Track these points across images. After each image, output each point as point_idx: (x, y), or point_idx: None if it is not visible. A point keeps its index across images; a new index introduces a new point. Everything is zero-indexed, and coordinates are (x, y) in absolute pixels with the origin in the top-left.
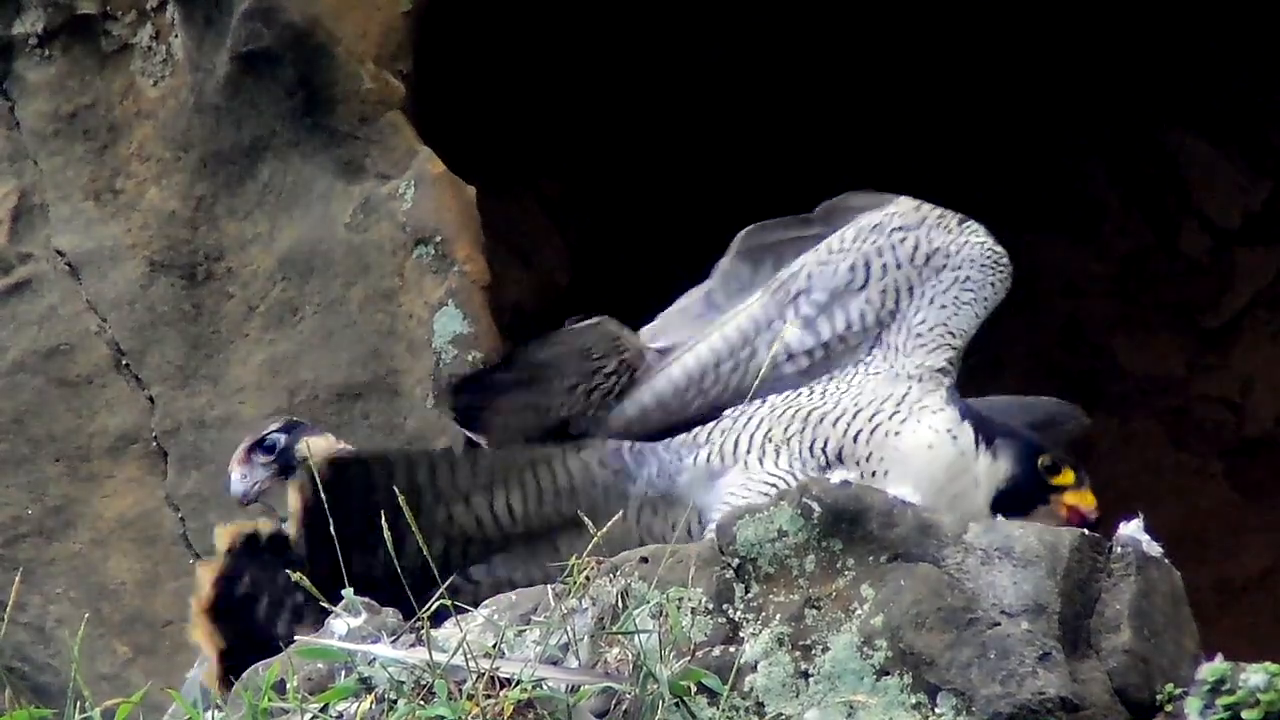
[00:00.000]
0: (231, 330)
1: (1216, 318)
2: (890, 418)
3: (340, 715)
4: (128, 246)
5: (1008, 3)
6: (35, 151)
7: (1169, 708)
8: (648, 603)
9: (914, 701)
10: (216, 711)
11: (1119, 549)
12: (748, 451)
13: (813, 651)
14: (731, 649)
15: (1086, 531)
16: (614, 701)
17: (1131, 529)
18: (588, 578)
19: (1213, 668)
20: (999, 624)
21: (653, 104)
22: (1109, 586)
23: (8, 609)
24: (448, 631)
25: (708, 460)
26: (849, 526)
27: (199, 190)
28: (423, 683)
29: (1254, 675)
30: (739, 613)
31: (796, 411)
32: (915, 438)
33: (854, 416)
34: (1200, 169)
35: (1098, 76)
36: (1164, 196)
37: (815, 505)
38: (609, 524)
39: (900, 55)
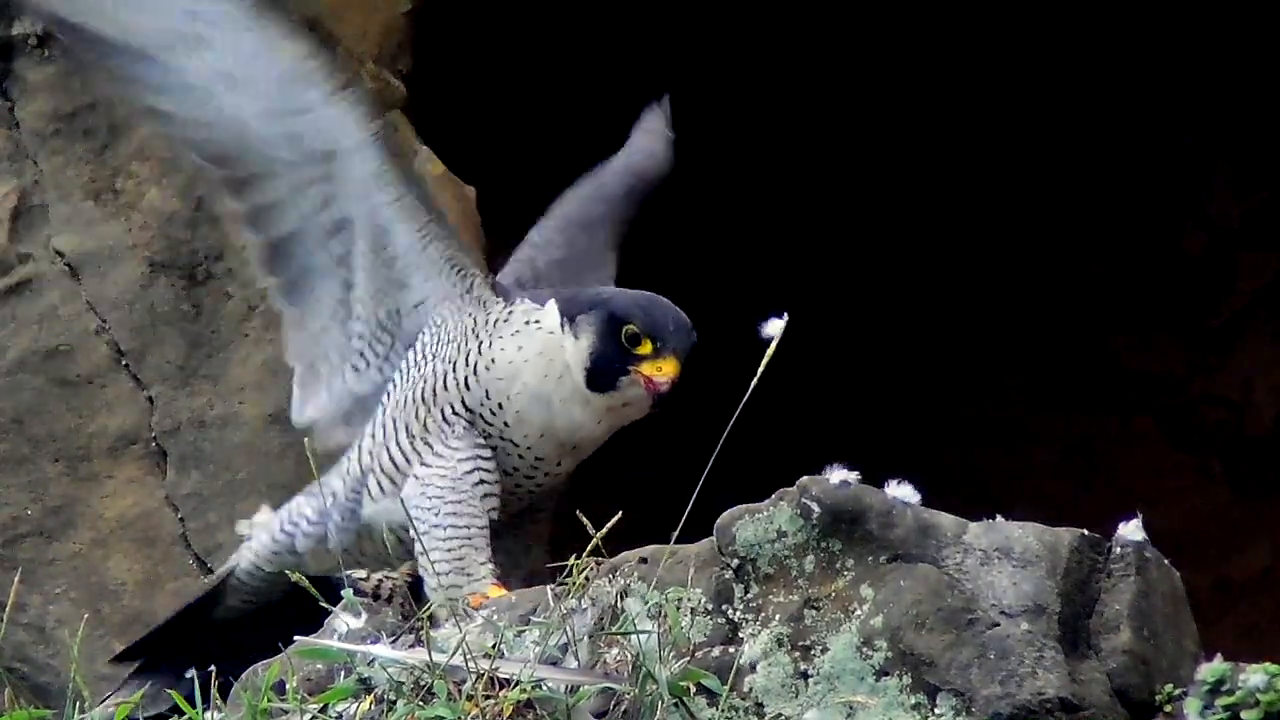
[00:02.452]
0: (231, 330)
1: (1216, 318)
2: (479, 352)
3: (339, 716)
4: (128, 246)
5: (1011, 7)
6: (35, 151)
7: (1168, 708)
8: (647, 603)
9: (913, 702)
10: (216, 713)
11: (1118, 549)
12: (415, 452)
13: (812, 652)
14: (731, 649)
15: (1086, 532)
16: (613, 702)
17: (1131, 529)
18: (587, 578)
19: (1212, 668)
20: (998, 624)
21: (650, 103)
22: (1109, 587)
23: (8, 609)
24: (447, 632)
25: (379, 487)
26: (848, 527)
27: (199, 190)
28: (422, 683)
29: (1254, 675)
30: (738, 613)
31: (407, 403)
32: (504, 349)
33: (453, 370)
34: (1200, 169)
35: (1098, 78)
36: (1164, 196)
37: (814, 505)
38: (609, 524)
39: (904, 56)
